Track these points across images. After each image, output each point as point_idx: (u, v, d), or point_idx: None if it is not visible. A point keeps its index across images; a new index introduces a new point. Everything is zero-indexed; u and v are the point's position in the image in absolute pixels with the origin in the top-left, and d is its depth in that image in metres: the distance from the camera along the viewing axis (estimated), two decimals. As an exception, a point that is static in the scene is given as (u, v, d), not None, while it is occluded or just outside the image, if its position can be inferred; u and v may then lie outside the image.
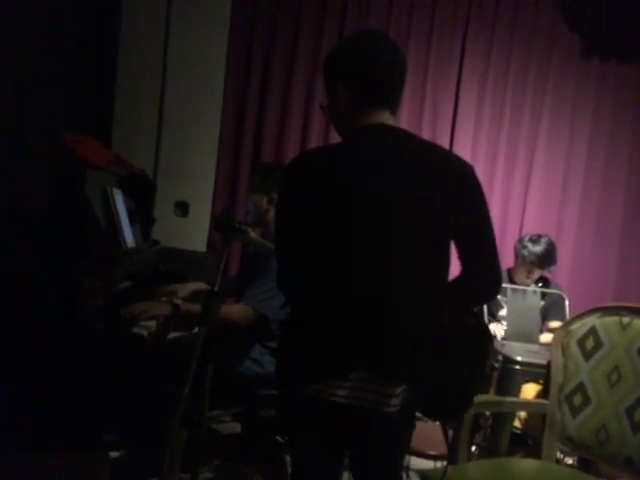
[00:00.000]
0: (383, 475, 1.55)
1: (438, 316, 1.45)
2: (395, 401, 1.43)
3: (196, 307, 2.34)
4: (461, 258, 1.49)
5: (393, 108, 1.53)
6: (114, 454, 2.34)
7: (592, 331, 2.08)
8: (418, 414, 1.58)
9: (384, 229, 1.42)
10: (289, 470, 2.69)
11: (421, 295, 1.44)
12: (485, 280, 1.52)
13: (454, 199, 1.43)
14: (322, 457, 1.53)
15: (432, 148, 1.54)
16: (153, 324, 2.23)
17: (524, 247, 3.18)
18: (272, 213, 2.53)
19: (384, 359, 1.41)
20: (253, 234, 2.17)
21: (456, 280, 1.50)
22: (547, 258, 3.18)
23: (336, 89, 1.51)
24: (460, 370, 1.45)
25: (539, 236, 3.23)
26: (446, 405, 1.49)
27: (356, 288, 1.42)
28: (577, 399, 2.07)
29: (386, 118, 1.50)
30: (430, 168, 1.45)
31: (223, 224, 1.95)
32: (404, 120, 3.66)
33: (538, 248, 3.15)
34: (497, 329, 3.12)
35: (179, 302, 2.40)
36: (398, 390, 1.43)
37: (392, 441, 1.52)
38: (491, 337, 1.53)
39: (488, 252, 1.49)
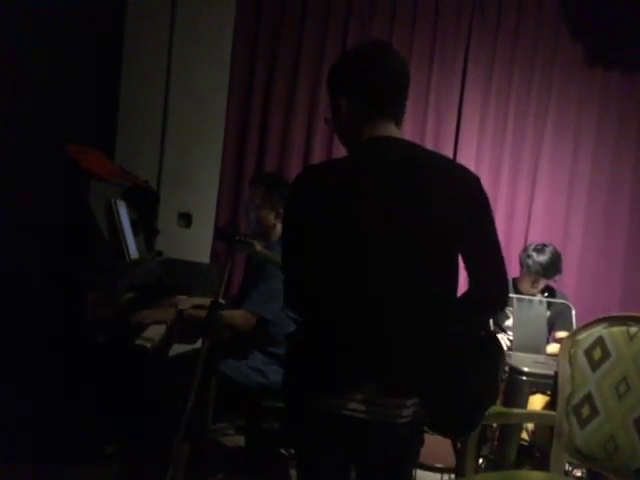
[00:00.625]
0: None
1: (446, 328, 1.44)
2: (406, 412, 1.42)
3: (200, 313, 2.36)
4: (468, 269, 1.48)
5: (398, 119, 1.52)
6: (117, 467, 2.32)
7: (599, 341, 2.07)
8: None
9: (390, 243, 1.41)
10: (294, 483, 2.67)
11: (429, 307, 1.43)
12: (491, 292, 1.50)
13: (459, 210, 1.42)
14: (330, 471, 1.51)
15: (437, 159, 1.53)
16: (157, 336, 2.22)
17: (529, 256, 3.16)
18: (278, 228, 2.54)
19: (393, 372, 1.40)
20: (259, 247, 2.17)
21: (464, 292, 1.49)
22: (552, 267, 3.16)
23: (340, 102, 1.51)
24: (471, 383, 1.44)
25: (544, 245, 3.22)
26: (457, 419, 1.47)
27: (363, 302, 1.41)
28: (585, 410, 2.05)
29: (391, 130, 1.50)
30: (435, 179, 1.44)
31: (227, 236, 1.95)
32: (407, 132, 3.65)
33: (543, 257, 3.14)
34: (502, 340, 3.09)
35: (183, 308, 2.42)
36: (409, 402, 1.42)
37: (402, 455, 1.50)
38: (502, 348, 1.51)
39: (494, 264, 1.47)
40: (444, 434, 1.59)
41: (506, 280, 1.51)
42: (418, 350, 1.40)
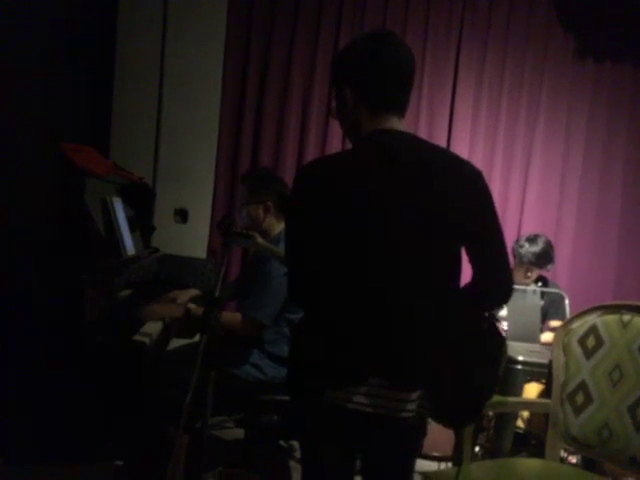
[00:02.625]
0: None
1: (451, 321, 1.44)
2: (411, 406, 1.42)
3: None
4: (472, 263, 1.48)
5: (402, 111, 1.51)
6: (117, 463, 2.33)
7: (593, 330, 2.08)
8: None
9: (397, 236, 1.41)
10: (292, 476, 2.69)
11: (431, 300, 1.43)
12: (496, 286, 1.50)
13: (464, 205, 1.43)
14: (334, 462, 1.51)
15: (442, 153, 1.54)
16: (155, 331, 2.23)
17: (521, 247, 3.19)
18: (268, 220, 2.55)
19: (399, 365, 1.41)
20: (260, 239, 2.19)
21: (468, 285, 1.49)
22: (544, 257, 3.18)
23: (344, 93, 1.49)
24: (474, 375, 1.44)
25: (536, 236, 3.24)
26: (460, 410, 1.47)
27: (370, 295, 1.41)
28: (579, 398, 2.07)
29: (395, 123, 1.48)
30: (440, 173, 1.44)
31: (226, 229, 1.96)
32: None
33: (535, 248, 3.16)
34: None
35: (192, 306, 2.43)
36: (414, 395, 1.42)
37: (406, 447, 1.52)
38: (504, 340, 1.51)
39: (499, 258, 1.48)
40: (446, 424, 1.61)
41: (510, 273, 1.52)
42: (422, 343, 1.41)
